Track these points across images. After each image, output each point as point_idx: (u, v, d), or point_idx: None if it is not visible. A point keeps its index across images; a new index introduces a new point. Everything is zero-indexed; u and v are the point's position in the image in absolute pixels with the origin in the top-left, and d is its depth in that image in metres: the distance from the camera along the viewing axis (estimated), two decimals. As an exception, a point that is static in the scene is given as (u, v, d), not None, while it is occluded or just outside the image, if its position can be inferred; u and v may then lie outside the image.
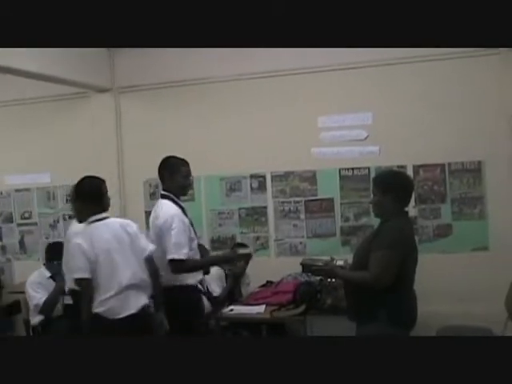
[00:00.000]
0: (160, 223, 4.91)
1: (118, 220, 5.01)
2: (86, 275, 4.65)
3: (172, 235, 4.84)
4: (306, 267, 4.64)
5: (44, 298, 6.27)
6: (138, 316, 4.74)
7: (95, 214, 4.81)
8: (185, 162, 5.11)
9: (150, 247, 4.88)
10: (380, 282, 4.09)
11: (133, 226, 4.94)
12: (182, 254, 4.83)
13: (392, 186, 4.32)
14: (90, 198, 4.84)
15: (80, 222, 4.97)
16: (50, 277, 6.41)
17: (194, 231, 5.16)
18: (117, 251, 4.74)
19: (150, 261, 4.88)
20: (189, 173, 5.11)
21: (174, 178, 5.04)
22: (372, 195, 4.48)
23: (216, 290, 6.45)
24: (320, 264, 4.53)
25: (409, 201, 4.45)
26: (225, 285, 6.65)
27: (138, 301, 4.78)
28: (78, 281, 4.71)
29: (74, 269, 4.74)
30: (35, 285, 6.37)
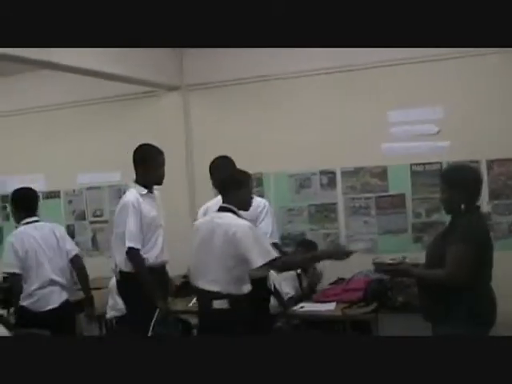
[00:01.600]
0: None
1: (48, 224, 5.71)
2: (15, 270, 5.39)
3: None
4: (379, 267, 4.54)
5: None
6: (59, 310, 5.43)
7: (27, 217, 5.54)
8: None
9: (76, 250, 5.73)
10: (455, 280, 3.99)
11: (60, 230, 5.73)
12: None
13: (460, 181, 4.21)
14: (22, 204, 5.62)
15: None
16: None
17: None
18: (43, 250, 5.45)
19: (75, 261, 5.69)
20: None
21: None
22: (441, 192, 4.37)
23: (287, 290, 6.42)
24: (392, 263, 4.44)
25: (479, 194, 4.32)
26: (297, 285, 6.60)
27: (60, 297, 5.48)
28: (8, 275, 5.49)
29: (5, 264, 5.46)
30: None
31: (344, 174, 7.18)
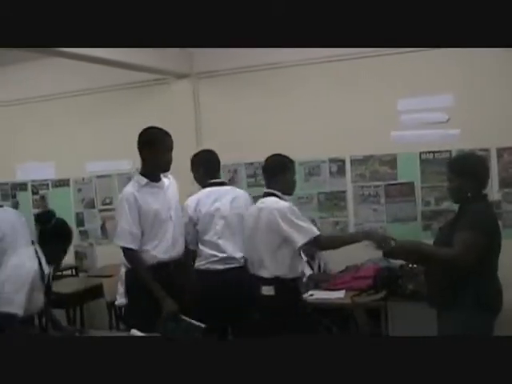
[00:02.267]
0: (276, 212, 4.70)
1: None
2: None
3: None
4: (388, 252, 4.54)
5: None
6: None
7: None
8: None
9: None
10: (462, 263, 3.99)
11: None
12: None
13: (468, 170, 4.22)
14: None
15: None
16: None
17: None
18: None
19: None
20: None
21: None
22: (448, 181, 4.37)
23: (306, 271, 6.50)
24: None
25: (486, 183, 4.33)
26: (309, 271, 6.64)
27: None
28: None
29: None
30: None
31: (353, 162, 7.17)
